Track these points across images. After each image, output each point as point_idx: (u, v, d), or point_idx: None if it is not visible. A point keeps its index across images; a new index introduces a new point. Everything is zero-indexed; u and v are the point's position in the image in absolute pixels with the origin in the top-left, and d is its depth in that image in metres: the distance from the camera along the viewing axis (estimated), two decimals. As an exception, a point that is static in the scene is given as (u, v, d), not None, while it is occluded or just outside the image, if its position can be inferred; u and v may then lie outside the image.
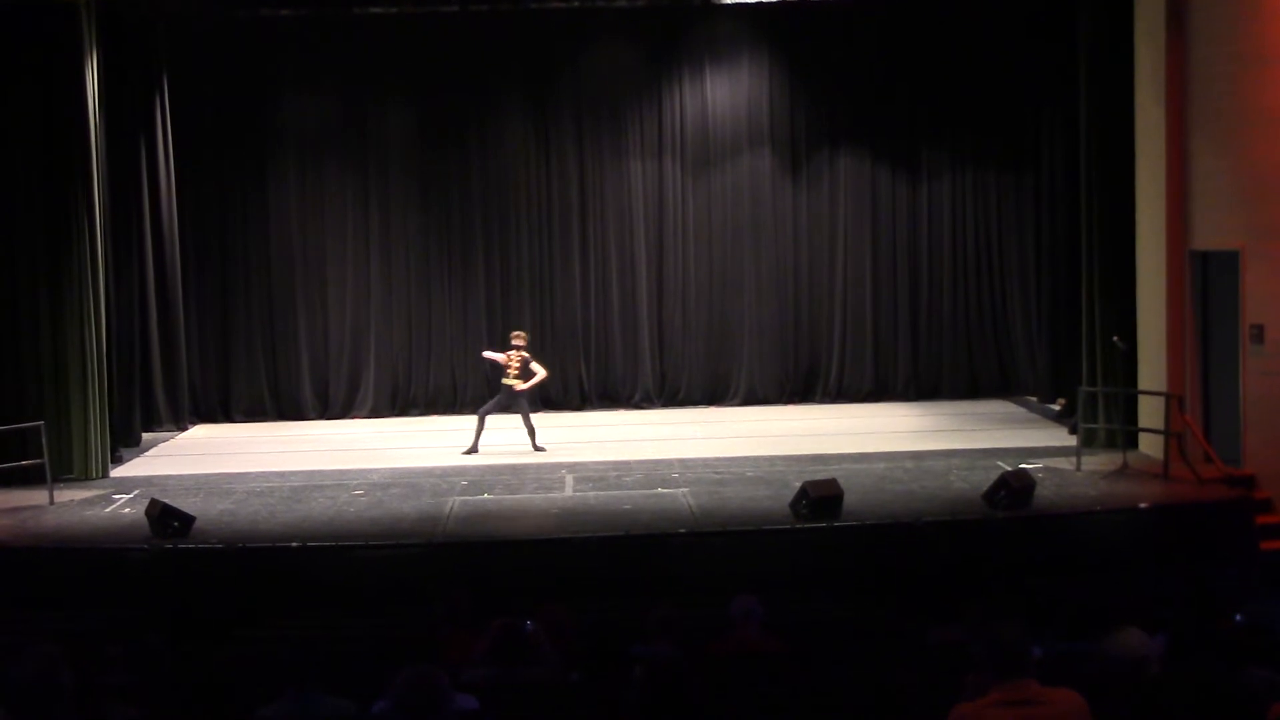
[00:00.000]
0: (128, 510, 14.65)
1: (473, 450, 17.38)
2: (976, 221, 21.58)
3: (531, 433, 17.51)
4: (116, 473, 16.77)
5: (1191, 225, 15.70)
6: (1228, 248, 15.09)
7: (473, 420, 17.58)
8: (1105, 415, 16.67)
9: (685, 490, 14.98)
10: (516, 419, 17.46)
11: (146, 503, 13.77)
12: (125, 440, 18.14)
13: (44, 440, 15.09)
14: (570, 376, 21.33)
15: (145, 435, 19.16)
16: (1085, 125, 17.02)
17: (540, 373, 17.65)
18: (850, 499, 13.71)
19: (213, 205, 20.76)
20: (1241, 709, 6.13)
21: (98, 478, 16.30)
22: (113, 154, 17.78)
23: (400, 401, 21.23)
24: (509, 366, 17.41)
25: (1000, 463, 15.64)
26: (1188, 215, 15.72)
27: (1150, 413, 16.06)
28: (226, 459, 17.68)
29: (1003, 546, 13.29)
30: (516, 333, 17.87)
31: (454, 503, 14.70)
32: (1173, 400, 15.41)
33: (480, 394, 20.48)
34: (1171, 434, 15.20)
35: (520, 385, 17.48)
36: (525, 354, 17.52)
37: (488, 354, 18.38)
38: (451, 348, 21.22)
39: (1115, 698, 6.29)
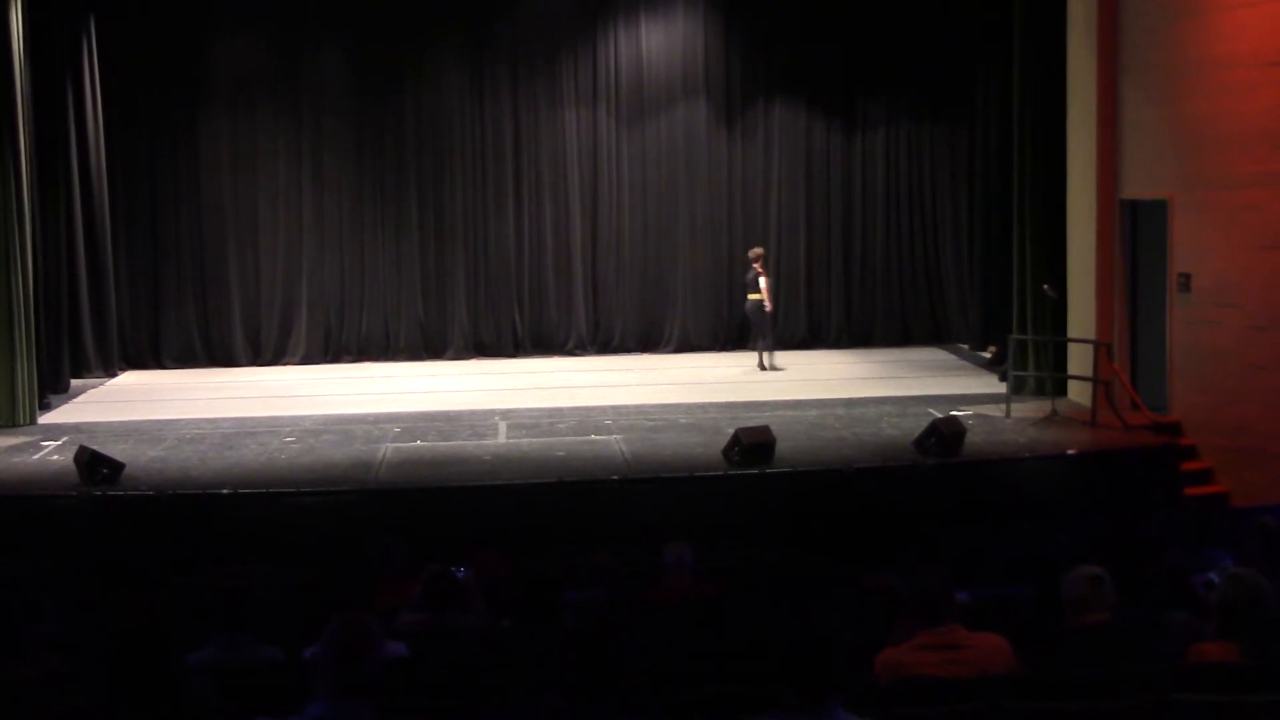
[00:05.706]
0: (56, 457, 14.50)
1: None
2: (910, 172, 21.67)
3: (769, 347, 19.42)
4: (44, 419, 16.55)
5: (1122, 174, 15.84)
6: (1157, 196, 15.24)
7: (406, 366, 17.45)
8: (1035, 363, 16.84)
9: (618, 437, 15.01)
10: (442, 365, 17.38)
11: (75, 449, 13.65)
12: (53, 386, 17.91)
13: (-31, 386, 14.92)
14: (504, 323, 21.21)
15: (74, 381, 18.90)
16: (1019, 76, 17.10)
17: (764, 282, 19.16)
18: (782, 446, 13.80)
19: (142, 148, 20.42)
20: (1162, 650, 6.25)
21: (25, 424, 16.08)
22: (39, 96, 17.40)
23: (332, 348, 21.02)
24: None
25: (931, 410, 15.78)
26: (1118, 165, 15.85)
27: (1079, 360, 16.24)
28: (157, 405, 17.50)
29: (933, 493, 13.43)
30: (755, 250, 19.46)
31: (386, 449, 14.67)
32: (1101, 348, 15.58)
33: (414, 340, 20.59)
34: (1100, 382, 15.39)
35: (755, 295, 19.21)
36: (756, 266, 19.09)
37: (765, 293, 19.18)
38: (384, 294, 21.04)
39: (1039, 641, 6.39)
